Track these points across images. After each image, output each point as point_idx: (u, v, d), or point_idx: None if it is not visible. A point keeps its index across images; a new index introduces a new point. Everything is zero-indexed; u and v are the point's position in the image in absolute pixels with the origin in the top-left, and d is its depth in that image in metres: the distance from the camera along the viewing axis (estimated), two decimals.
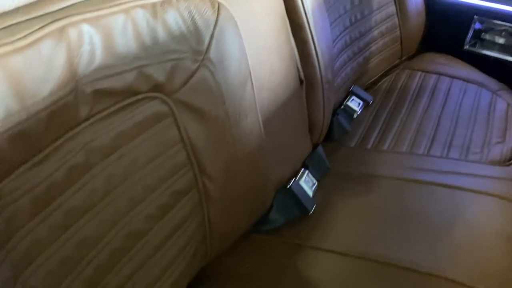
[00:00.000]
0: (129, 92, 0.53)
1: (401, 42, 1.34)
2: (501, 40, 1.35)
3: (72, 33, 0.45)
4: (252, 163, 0.71)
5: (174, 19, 0.55)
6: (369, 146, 1.07)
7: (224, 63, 0.62)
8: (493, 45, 1.36)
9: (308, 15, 0.86)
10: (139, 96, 0.55)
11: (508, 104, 1.13)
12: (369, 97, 1.23)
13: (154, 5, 0.54)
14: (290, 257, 0.77)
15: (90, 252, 0.52)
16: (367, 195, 0.88)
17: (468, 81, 1.24)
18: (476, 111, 1.12)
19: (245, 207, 0.74)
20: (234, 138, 0.66)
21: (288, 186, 0.85)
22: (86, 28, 0.47)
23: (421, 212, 0.81)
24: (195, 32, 0.58)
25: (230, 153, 0.67)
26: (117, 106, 0.53)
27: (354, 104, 1.20)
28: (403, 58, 1.39)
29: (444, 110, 1.14)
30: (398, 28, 1.32)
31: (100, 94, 0.50)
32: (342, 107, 1.19)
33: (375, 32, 1.26)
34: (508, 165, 0.93)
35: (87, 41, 0.47)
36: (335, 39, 1.13)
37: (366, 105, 1.22)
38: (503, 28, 1.31)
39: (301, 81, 0.92)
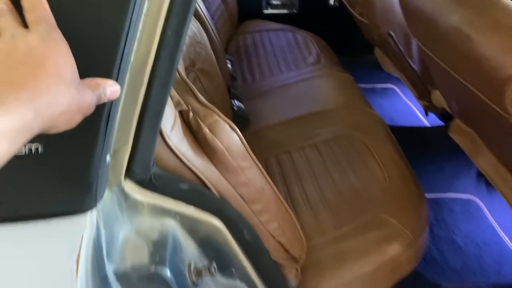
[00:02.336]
0: None
1: (230, 19, 2.10)
2: (280, 1, 2.24)
3: None
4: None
5: None
6: (249, 81, 1.82)
7: None
8: (278, 6, 2.25)
9: (205, 17, 1.54)
10: None
11: (302, 36, 2.03)
12: (231, 57, 1.97)
13: None
14: (256, 137, 1.48)
15: None
16: (271, 99, 1.64)
17: (276, 30, 2.10)
18: (291, 43, 1.98)
19: None
20: None
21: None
22: None
23: (298, 94, 1.62)
24: None
25: None
26: None
27: (228, 63, 1.92)
28: (233, 30, 2.16)
29: (274, 48, 1.96)
30: (225, 11, 2.07)
31: None
32: None
33: (216, 17, 1.99)
34: (319, 63, 1.81)
35: None
36: None
37: (231, 63, 1.96)
38: None
39: None
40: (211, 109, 0.78)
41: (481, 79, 0.98)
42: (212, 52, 1.40)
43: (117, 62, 0.49)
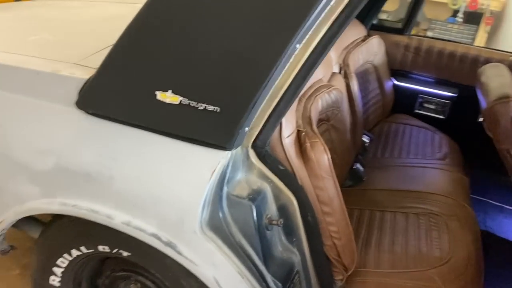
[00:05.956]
0: None
1: (383, 108, 2.52)
2: (432, 106, 2.57)
3: None
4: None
5: None
6: (378, 156, 2.18)
7: None
8: (429, 109, 2.57)
9: (354, 97, 2.00)
10: None
11: (440, 137, 2.31)
12: (371, 135, 2.36)
13: None
14: (362, 193, 1.82)
15: None
16: (388, 172, 1.97)
17: (419, 126, 2.42)
18: (427, 140, 2.28)
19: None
20: None
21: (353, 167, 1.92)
22: None
23: (412, 175, 1.91)
24: None
25: None
26: None
27: (366, 138, 2.32)
28: (383, 117, 2.56)
29: (411, 139, 2.29)
30: (381, 101, 2.50)
31: None
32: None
33: (371, 102, 2.43)
34: (444, 159, 2.07)
35: None
36: None
37: (370, 140, 2.35)
38: (433, 100, 2.53)
39: None
40: (316, 135, 1.22)
41: None
42: (348, 119, 1.83)
43: (269, 76, 0.98)
